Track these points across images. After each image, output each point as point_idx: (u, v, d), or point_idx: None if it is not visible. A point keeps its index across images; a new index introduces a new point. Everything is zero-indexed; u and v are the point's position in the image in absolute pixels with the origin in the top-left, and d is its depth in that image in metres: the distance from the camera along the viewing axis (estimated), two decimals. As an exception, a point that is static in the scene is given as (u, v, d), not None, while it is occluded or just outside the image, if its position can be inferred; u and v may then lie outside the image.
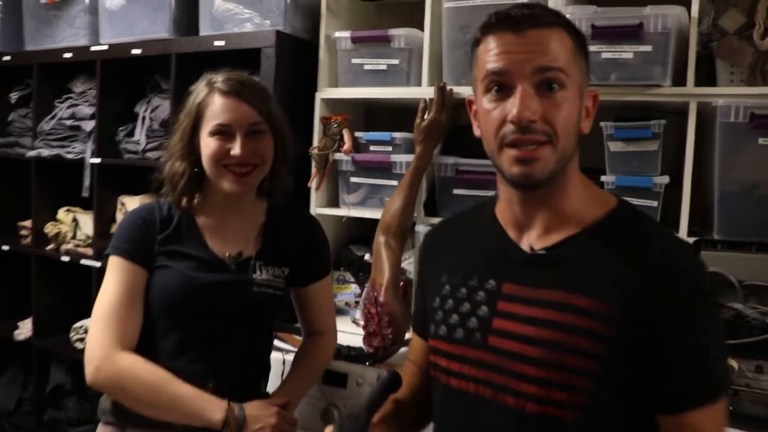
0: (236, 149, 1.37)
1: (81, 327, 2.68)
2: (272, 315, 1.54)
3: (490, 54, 0.96)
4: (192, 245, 1.44)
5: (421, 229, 1.95)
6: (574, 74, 0.97)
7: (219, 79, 1.42)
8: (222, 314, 1.42)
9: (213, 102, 1.39)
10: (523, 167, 0.95)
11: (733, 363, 1.48)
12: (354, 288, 2.25)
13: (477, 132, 1.07)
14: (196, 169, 1.43)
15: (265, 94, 1.46)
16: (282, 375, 1.61)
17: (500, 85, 0.95)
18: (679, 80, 1.72)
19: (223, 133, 1.38)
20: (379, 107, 2.41)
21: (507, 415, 0.97)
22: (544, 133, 0.94)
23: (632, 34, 1.66)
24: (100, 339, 1.34)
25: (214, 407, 1.32)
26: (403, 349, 1.83)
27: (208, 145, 1.39)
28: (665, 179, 1.71)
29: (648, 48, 1.67)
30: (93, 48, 2.54)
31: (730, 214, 1.66)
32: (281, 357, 1.69)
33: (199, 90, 1.43)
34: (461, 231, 1.18)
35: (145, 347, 1.37)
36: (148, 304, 1.40)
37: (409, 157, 2.00)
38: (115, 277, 1.38)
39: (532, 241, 1.03)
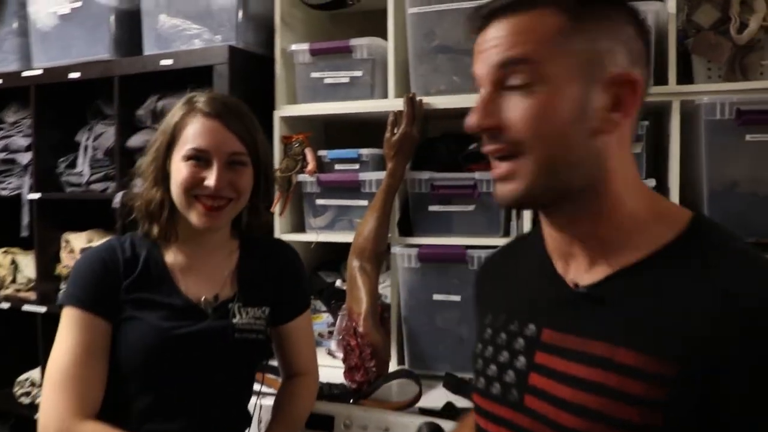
0: (211, 179, 1.21)
1: (26, 380, 2.46)
2: (255, 363, 1.39)
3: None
4: (163, 291, 1.27)
5: (398, 251, 1.82)
6: (561, 60, 0.76)
7: (201, 98, 1.26)
8: (201, 367, 1.26)
9: (191, 123, 1.23)
10: (500, 186, 0.80)
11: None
12: (326, 317, 2.11)
13: None
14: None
15: (251, 121, 1.30)
16: (260, 421, 1.46)
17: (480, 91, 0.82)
18: (659, 79, 1.65)
19: (199, 159, 1.22)
20: (340, 123, 2.28)
21: None
22: (510, 141, 0.77)
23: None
24: (56, 407, 1.16)
25: None
26: (389, 383, 1.69)
27: (179, 169, 1.22)
28: (651, 182, 1.64)
29: (628, 46, 1.59)
30: (25, 73, 2.33)
31: (720, 213, 1.59)
32: (255, 401, 1.53)
33: (177, 108, 1.27)
34: (511, 263, 0.99)
35: (111, 410, 1.21)
36: (115, 362, 1.23)
37: (379, 175, 1.88)
38: (72, 332, 1.20)
39: (578, 275, 0.83)
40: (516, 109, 0.76)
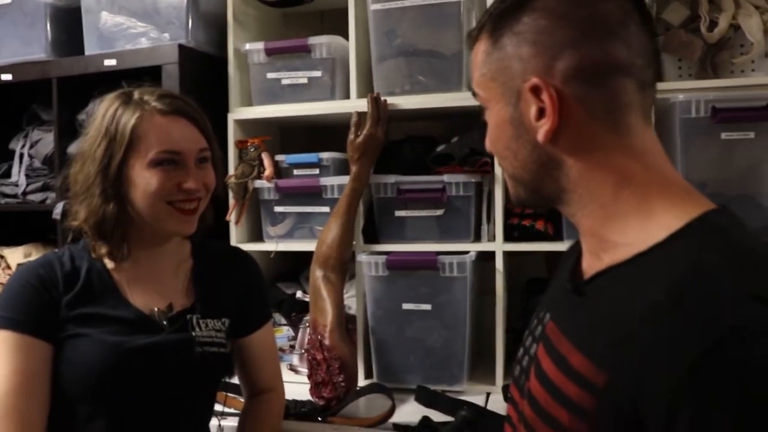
0: (189, 182, 1.12)
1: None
2: (219, 380, 1.28)
3: None
4: (110, 303, 1.15)
5: (364, 258, 1.72)
6: (486, 84, 0.79)
7: (149, 96, 1.14)
8: (161, 385, 1.14)
9: (153, 124, 1.11)
10: None
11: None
12: (286, 330, 2.00)
13: None
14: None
15: (204, 112, 1.21)
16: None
17: None
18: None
19: (171, 162, 1.12)
20: (296, 127, 2.18)
21: None
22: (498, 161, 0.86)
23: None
24: None
25: None
26: (359, 399, 1.59)
27: (147, 178, 1.11)
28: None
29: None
30: (-48, 75, 2.15)
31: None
32: (217, 423, 1.41)
33: (126, 111, 1.12)
34: (570, 253, 0.93)
35: None
36: (59, 386, 1.10)
37: (341, 179, 1.79)
38: (7, 358, 1.08)
39: (588, 269, 0.79)
40: (487, 134, 0.83)
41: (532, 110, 0.74)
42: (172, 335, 1.16)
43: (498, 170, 1.67)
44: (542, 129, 0.74)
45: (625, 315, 0.65)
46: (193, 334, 1.18)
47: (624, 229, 0.73)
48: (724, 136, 1.53)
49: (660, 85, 1.53)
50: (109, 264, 1.18)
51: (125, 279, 1.18)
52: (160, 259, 1.22)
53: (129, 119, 1.11)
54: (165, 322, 1.17)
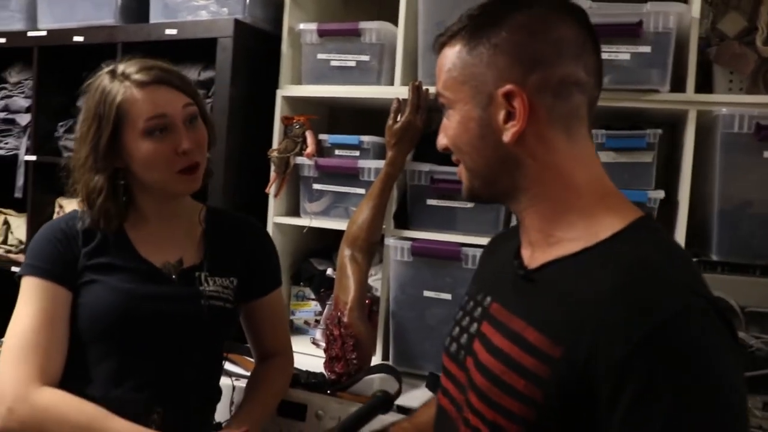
0: (184, 143, 1.19)
1: (9, 342, 2.43)
2: (224, 333, 1.36)
3: None
4: (123, 256, 1.24)
5: (391, 242, 1.76)
6: (460, 87, 0.87)
7: (130, 70, 1.21)
8: (167, 332, 1.23)
9: (136, 97, 1.18)
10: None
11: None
12: (314, 305, 2.06)
13: None
14: (122, 182, 1.23)
15: (184, 75, 1.29)
16: (231, 403, 1.42)
17: None
18: (676, 86, 1.57)
19: (161, 129, 1.19)
20: (343, 108, 2.23)
21: None
22: (455, 154, 0.92)
23: (630, 32, 1.51)
24: (14, 375, 1.14)
25: None
26: (369, 378, 1.64)
27: (144, 149, 1.18)
28: (660, 194, 1.56)
29: (647, 49, 1.52)
30: (30, 33, 2.29)
31: (731, 234, 1.52)
32: (230, 383, 1.48)
33: (111, 89, 1.19)
34: (505, 242, 1.04)
35: (74, 378, 1.19)
36: (76, 328, 1.21)
37: (379, 163, 1.82)
38: (31, 300, 1.19)
39: (531, 259, 0.90)
40: (447, 129, 0.91)
41: (501, 114, 0.83)
42: (180, 288, 1.25)
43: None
44: (510, 131, 0.83)
45: (579, 299, 0.76)
46: (201, 288, 1.26)
47: (570, 226, 0.84)
48: (766, 154, 1.48)
49: (704, 98, 1.53)
50: (126, 223, 1.26)
51: (139, 236, 1.27)
52: (172, 219, 1.30)
53: (114, 97, 1.18)
54: (174, 276, 1.26)
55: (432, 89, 1.76)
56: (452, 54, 0.87)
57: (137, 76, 1.19)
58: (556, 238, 0.85)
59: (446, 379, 0.97)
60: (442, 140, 0.93)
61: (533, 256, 0.89)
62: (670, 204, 1.60)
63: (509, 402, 0.79)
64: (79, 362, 1.21)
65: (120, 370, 1.21)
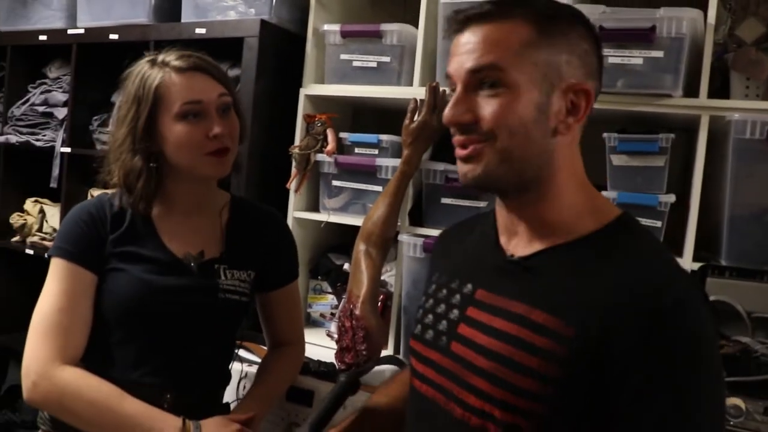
0: (216, 128, 1.23)
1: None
2: (237, 324, 1.41)
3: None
4: (148, 245, 1.30)
5: (405, 239, 1.80)
6: (526, 68, 0.87)
7: (170, 58, 1.27)
8: (184, 322, 1.29)
9: (173, 82, 1.23)
10: (463, 166, 0.92)
11: (740, 403, 1.33)
12: (331, 299, 2.11)
13: None
14: (154, 165, 1.28)
15: (220, 67, 1.33)
16: (242, 387, 1.47)
17: (453, 88, 0.93)
18: (690, 91, 1.58)
19: (195, 114, 1.23)
20: (366, 108, 2.27)
21: (453, 425, 0.92)
22: (482, 133, 0.89)
23: (643, 37, 1.52)
24: (38, 351, 1.20)
25: (167, 426, 1.18)
26: (378, 368, 1.68)
27: (177, 132, 1.23)
28: (671, 198, 1.57)
29: (659, 54, 1.53)
30: (70, 31, 2.39)
31: (740, 240, 1.52)
32: (241, 368, 1.54)
33: (149, 72, 1.25)
34: (466, 233, 1.10)
35: (96, 359, 1.25)
36: (100, 312, 1.27)
37: (396, 162, 1.86)
38: (58, 281, 1.24)
39: (517, 248, 0.95)
40: (487, 106, 0.87)
41: (563, 106, 0.88)
42: (199, 280, 1.30)
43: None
44: (568, 124, 0.89)
45: (587, 282, 0.84)
46: (218, 281, 1.31)
47: (565, 217, 0.91)
48: (777, 160, 1.49)
49: (717, 103, 1.54)
50: (152, 211, 1.31)
51: (165, 225, 1.32)
52: (198, 209, 1.35)
53: (153, 81, 1.24)
54: (195, 267, 1.31)
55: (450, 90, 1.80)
56: (521, 33, 0.87)
57: (176, 63, 1.25)
58: (549, 230, 0.91)
59: (423, 365, 0.99)
60: (465, 116, 0.89)
61: (520, 246, 0.94)
62: (682, 208, 1.61)
63: (521, 380, 0.83)
64: (101, 344, 1.27)
65: (137, 355, 1.26)
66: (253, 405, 1.35)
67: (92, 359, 1.25)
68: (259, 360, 1.62)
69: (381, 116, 2.26)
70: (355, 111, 2.28)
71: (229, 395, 1.44)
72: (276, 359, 1.48)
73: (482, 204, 1.77)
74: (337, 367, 1.68)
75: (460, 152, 0.92)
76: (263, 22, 1.97)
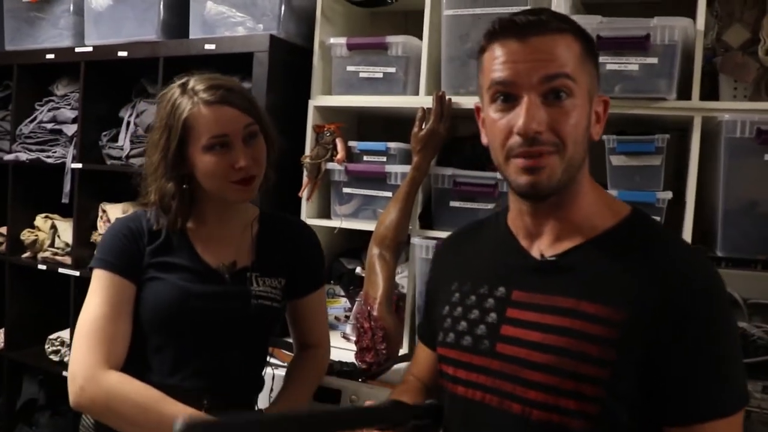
0: (241, 161, 1.29)
1: (57, 338, 2.58)
2: (270, 329, 1.48)
3: (496, 63, 0.95)
4: (183, 256, 1.37)
5: (417, 242, 1.89)
6: (583, 80, 0.95)
7: (199, 87, 1.31)
8: (220, 328, 1.35)
9: (201, 115, 1.28)
10: (529, 176, 0.94)
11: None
12: (344, 302, 2.18)
13: (484, 140, 1.05)
14: (184, 186, 1.35)
15: (249, 94, 1.39)
16: (271, 390, 1.54)
17: (506, 95, 0.94)
18: (683, 94, 1.68)
19: (222, 145, 1.29)
20: (371, 117, 2.36)
21: (512, 422, 0.95)
22: (552, 143, 0.92)
23: (638, 45, 1.62)
24: (84, 357, 1.26)
25: None
26: (397, 366, 1.76)
27: (205, 162, 1.30)
28: (668, 194, 1.67)
29: (654, 60, 1.63)
30: (77, 49, 2.45)
31: (734, 231, 1.62)
32: (270, 372, 1.61)
33: (180, 103, 1.30)
34: (474, 240, 1.16)
35: (135, 365, 1.30)
36: (138, 320, 1.33)
37: (405, 168, 1.95)
38: (100, 291, 1.30)
39: (542, 249, 1.01)
40: (560, 116, 0.92)
41: (593, 114, 0.99)
42: (233, 287, 1.37)
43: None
44: (598, 131, 1.00)
45: (623, 272, 0.93)
46: (251, 288, 1.38)
47: (587, 215, 1.00)
48: (767, 157, 1.59)
49: (709, 104, 1.64)
50: (188, 224, 1.39)
51: (198, 238, 1.39)
52: (228, 222, 1.42)
53: (182, 112, 1.29)
54: (227, 276, 1.38)
55: (455, 99, 1.89)
56: (576, 48, 0.95)
57: (204, 95, 1.29)
58: (574, 227, 0.99)
59: (467, 371, 1.02)
60: (540, 126, 0.91)
61: (543, 246, 1.01)
62: (677, 204, 1.71)
63: (582, 367, 0.90)
64: (140, 351, 1.33)
65: (174, 361, 1.33)
66: (286, 406, 1.41)
67: (131, 366, 1.29)
68: (281, 363, 1.69)
69: (386, 124, 2.35)
70: (360, 120, 2.36)
71: (261, 401, 1.50)
72: (304, 362, 1.54)
73: (490, 206, 1.86)
74: (358, 366, 1.76)
75: (527, 163, 0.93)
76: (272, 37, 2.04)
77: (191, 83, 1.33)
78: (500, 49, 0.94)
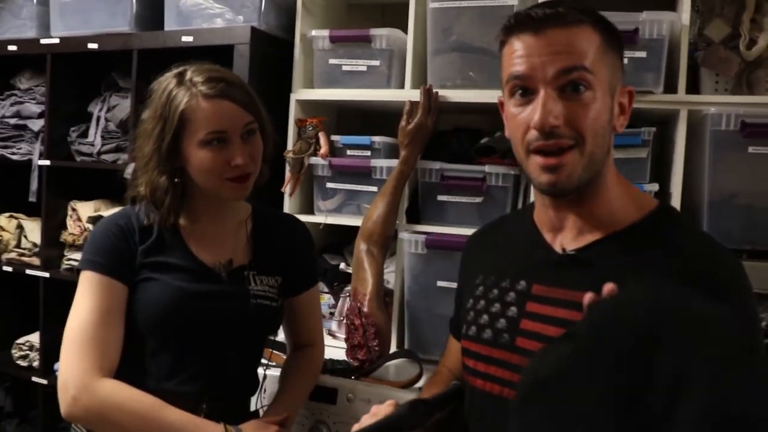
0: (238, 158, 1.24)
1: (25, 343, 2.49)
2: (268, 330, 1.44)
3: (513, 57, 0.95)
4: (177, 255, 1.31)
5: (405, 236, 1.88)
6: (602, 72, 0.93)
7: (198, 78, 1.25)
8: (218, 328, 1.30)
9: (199, 108, 1.22)
10: (550, 176, 0.93)
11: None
12: (327, 298, 2.16)
13: (507, 134, 1.05)
14: (176, 180, 1.29)
15: (248, 88, 1.33)
16: (264, 390, 1.51)
17: (524, 89, 0.94)
18: (669, 88, 1.71)
19: (219, 141, 1.24)
20: (350, 110, 2.33)
21: None
22: (570, 137, 0.92)
23: (628, 39, 1.63)
24: (76, 365, 1.19)
25: None
26: (389, 363, 1.75)
27: (200, 157, 1.24)
28: (655, 186, 1.70)
29: (642, 54, 1.65)
30: (43, 41, 2.35)
31: (720, 222, 1.66)
32: (261, 371, 1.58)
33: (177, 94, 1.24)
34: (500, 234, 1.16)
35: (128, 371, 1.24)
36: (132, 323, 1.27)
37: (390, 162, 1.93)
38: (90, 294, 1.24)
39: (564, 243, 1.01)
40: (578, 110, 0.91)
41: (616, 107, 0.97)
42: (230, 286, 1.32)
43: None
44: (622, 124, 0.99)
45: (645, 266, 0.91)
46: (249, 287, 1.34)
47: (611, 210, 0.98)
48: (751, 149, 1.62)
49: (694, 98, 1.67)
50: (180, 222, 1.33)
51: (192, 236, 1.33)
52: (222, 219, 1.37)
53: (179, 103, 1.23)
54: (224, 275, 1.33)
55: (442, 92, 1.88)
56: (596, 40, 0.93)
57: (203, 88, 1.23)
58: (596, 221, 0.98)
59: (486, 364, 1.02)
60: (556, 120, 0.91)
61: (566, 240, 1.00)
62: (663, 196, 1.74)
63: None
64: (134, 355, 1.27)
65: (172, 364, 1.27)
66: (284, 407, 1.39)
67: (125, 371, 1.24)
68: (271, 363, 1.66)
69: (365, 118, 2.32)
70: (339, 113, 2.33)
71: (254, 402, 1.47)
72: (300, 362, 1.51)
73: (478, 200, 1.86)
74: (350, 363, 1.74)
75: (547, 162, 0.93)
76: (253, 29, 2.00)
77: (189, 74, 1.27)
78: (517, 43, 0.94)
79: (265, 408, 1.45)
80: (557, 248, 1.01)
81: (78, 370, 1.19)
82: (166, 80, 1.29)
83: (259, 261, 1.38)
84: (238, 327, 1.34)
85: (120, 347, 1.25)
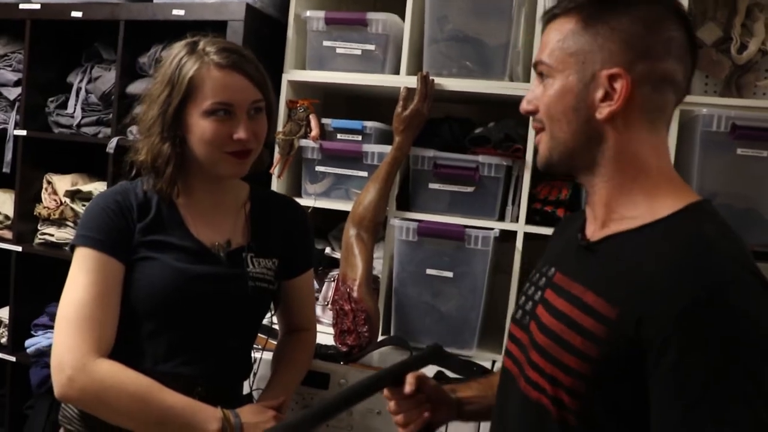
0: (241, 132, 1.22)
1: (-6, 317, 2.41)
2: (264, 313, 1.43)
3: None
4: (176, 234, 1.28)
5: (396, 222, 1.88)
6: (566, 59, 0.93)
7: (210, 48, 1.24)
8: (216, 311, 1.29)
9: (209, 76, 1.21)
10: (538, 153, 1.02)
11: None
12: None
13: None
14: (178, 150, 1.25)
15: (261, 66, 1.31)
16: (254, 374, 1.50)
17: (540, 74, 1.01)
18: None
19: (225, 112, 1.22)
20: (339, 94, 2.31)
21: (518, 396, 0.98)
22: (538, 120, 0.99)
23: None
24: (72, 344, 1.16)
25: (208, 417, 1.20)
26: (377, 351, 1.75)
27: (203, 127, 1.22)
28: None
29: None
30: (22, 6, 2.26)
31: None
32: (256, 356, 1.56)
33: (188, 61, 1.22)
34: (571, 221, 1.15)
35: (124, 352, 1.22)
36: (128, 303, 1.24)
37: (381, 148, 1.93)
38: (86, 272, 1.20)
39: (592, 234, 0.99)
40: (540, 96, 0.97)
41: (599, 92, 0.91)
42: (229, 269, 1.30)
43: (529, 157, 1.81)
44: (605, 110, 0.91)
45: (637, 265, 0.86)
46: (248, 269, 1.32)
47: (633, 205, 0.93)
48: (739, 151, 1.67)
49: (687, 99, 1.68)
50: (177, 200, 1.30)
51: (190, 214, 1.31)
52: (220, 198, 1.34)
53: (189, 69, 1.21)
54: (223, 256, 1.31)
55: (438, 80, 1.88)
56: (567, 27, 0.94)
57: (215, 57, 1.22)
58: (619, 215, 0.94)
59: (510, 342, 1.06)
60: (528, 105, 0.99)
61: (595, 231, 0.98)
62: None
63: (567, 358, 0.88)
64: (131, 336, 1.24)
65: (169, 346, 1.25)
66: (279, 391, 1.38)
67: (120, 352, 1.21)
68: (259, 347, 1.64)
69: (354, 102, 2.31)
70: (326, 96, 2.31)
71: (246, 386, 1.46)
72: (292, 346, 1.50)
73: (469, 189, 1.87)
74: (338, 348, 1.74)
75: (534, 141, 1.03)
76: (248, 5, 1.96)
77: (202, 44, 1.25)
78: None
79: (258, 391, 1.44)
80: (588, 237, 0.99)
81: (74, 349, 1.16)
82: (176, 48, 1.26)
83: (258, 243, 1.37)
84: (237, 309, 1.32)
85: (115, 326, 1.22)
